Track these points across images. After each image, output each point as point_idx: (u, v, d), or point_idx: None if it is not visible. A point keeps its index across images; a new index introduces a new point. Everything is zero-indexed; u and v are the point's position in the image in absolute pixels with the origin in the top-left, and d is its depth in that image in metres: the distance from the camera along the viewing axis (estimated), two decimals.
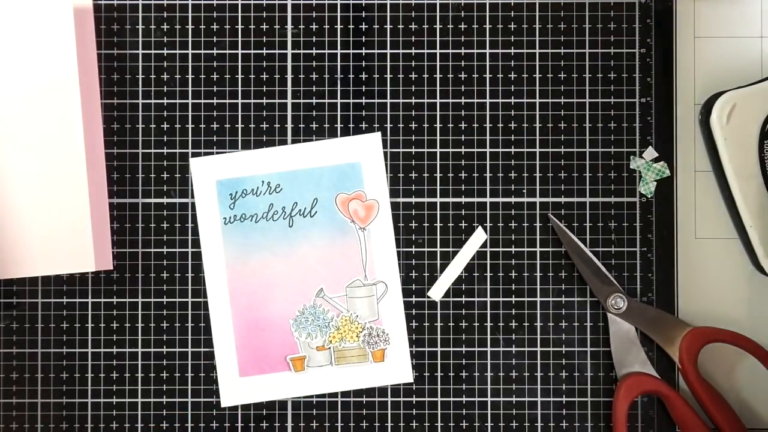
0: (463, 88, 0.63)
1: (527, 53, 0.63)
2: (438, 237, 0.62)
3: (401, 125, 0.63)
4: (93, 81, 0.62)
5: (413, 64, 0.63)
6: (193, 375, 0.62)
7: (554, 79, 0.63)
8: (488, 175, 0.62)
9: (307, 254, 0.62)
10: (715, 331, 0.60)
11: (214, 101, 0.63)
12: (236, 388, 0.62)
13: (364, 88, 0.63)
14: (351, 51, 0.63)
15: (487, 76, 0.63)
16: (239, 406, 0.62)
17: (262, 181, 0.62)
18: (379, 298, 0.62)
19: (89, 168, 0.60)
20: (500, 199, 0.62)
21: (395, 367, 0.62)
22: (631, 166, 0.62)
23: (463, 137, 0.63)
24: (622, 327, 0.61)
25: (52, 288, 0.62)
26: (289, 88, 0.63)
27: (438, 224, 0.62)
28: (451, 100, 0.63)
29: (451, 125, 0.63)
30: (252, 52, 0.63)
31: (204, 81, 0.63)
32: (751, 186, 0.59)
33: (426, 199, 0.62)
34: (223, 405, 0.62)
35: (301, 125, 0.63)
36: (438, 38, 0.63)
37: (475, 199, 0.62)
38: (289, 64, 0.63)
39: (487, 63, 0.63)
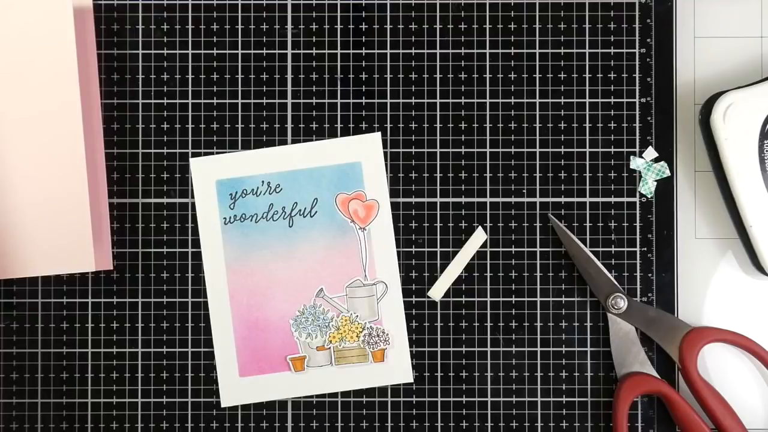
0: (463, 88, 0.63)
1: (527, 53, 0.63)
2: (438, 237, 0.62)
3: (401, 125, 0.63)
4: (93, 81, 0.62)
5: (413, 64, 0.63)
6: (193, 375, 0.62)
7: (554, 79, 0.63)
8: (488, 175, 0.62)
9: (307, 254, 0.62)
10: (715, 331, 0.60)
11: (214, 101, 0.63)
12: (236, 388, 0.62)
13: (364, 88, 0.63)
14: (351, 51, 0.63)
15: (487, 76, 0.63)
16: (239, 406, 0.62)
17: (262, 181, 0.62)
18: (379, 298, 0.62)
19: (89, 168, 0.60)
20: (500, 199, 0.62)
21: (395, 367, 0.62)
22: (631, 166, 0.62)
23: (463, 137, 0.63)
24: (622, 327, 0.61)
25: (52, 288, 0.62)
26: (289, 88, 0.63)
27: (438, 224, 0.62)
28: (451, 100, 0.63)
29: (451, 125, 0.63)
30: (252, 52, 0.63)
31: (204, 81, 0.63)
32: (751, 186, 0.59)
33: (426, 199, 0.62)
34: (223, 405, 0.62)
35: (301, 125, 0.63)
36: (438, 38, 0.63)
37: (475, 199, 0.62)
38: (289, 64, 0.63)
39: (487, 63, 0.63)
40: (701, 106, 0.61)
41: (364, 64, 0.63)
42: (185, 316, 0.62)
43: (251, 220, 0.62)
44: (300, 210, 0.62)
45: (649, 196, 0.62)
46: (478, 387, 0.62)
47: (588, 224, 0.62)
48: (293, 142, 0.63)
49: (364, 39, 0.63)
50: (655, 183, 0.62)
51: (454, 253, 0.62)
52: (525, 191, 0.63)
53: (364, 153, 0.62)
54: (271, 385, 0.62)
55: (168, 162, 0.63)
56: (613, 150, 0.63)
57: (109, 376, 0.62)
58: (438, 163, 0.63)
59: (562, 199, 0.62)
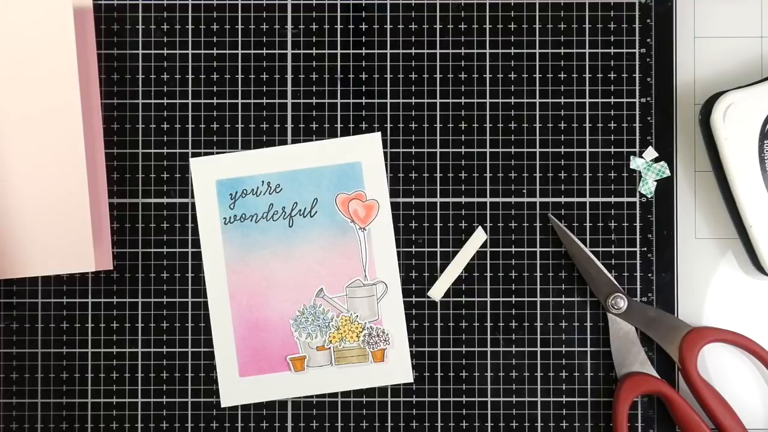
0: (463, 88, 0.63)
1: (527, 53, 0.63)
2: (438, 237, 0.62)
3: (401, 125, 0.63)
4: (93, 81, 0.62)
5: (413, 64, 0.63)
6: (193, 375, 0.62)
7: (554, 79, 0.63)
8: (488, 175, 0.62)
9: (307, 254, 0.62)
10: (715, 331, 0.60)
11: (214, 101, 0.63)
12: (236, 388, 0.62)
13: (364, 88, 0.63)
14: (351, 51, 0.63)
15: (487, 76, 0.63)
16: (239, 406, 0.62)
17: (262, 181, 0.62)
18: (379, 298, 0.62)
19: (89, 168, 0.60)
20: (500, 199, 0.62)
21: (395, 367, 0.62)
22: (631, 166, 0.62)
23: (463, 137, 0.63)
24: (622, 327, 0.61)
25: (52, 288, 0.62)
26: (289, 88, 0.63)
27: (438, 224, 0.62)
28: (451, 100, 0.63)
29: (451, 125, 0.63)
30: (252, 52, 0.63)
31: (204, 81, 0.63)
32: (751, 186, 0.59)
33: (426, 199, 0.62)
34: (223, 405, 0.62)
35: (301, 125, 0.63)
36: (438, 38, 0.63)
37: (475, 199, 0.62)
38: (289, 64, 0.63)
39: (487, 63, 0.63)
40: (701, 106, 0.61)
41: (364, 64, 0.63)
42: (185, 316, 0.62)
43: (251, 220, 0.62)
44: (300, 210, 0.62)
45: (649, 196, 0.62)
46: (478, 387, 0.62)
47: (588, 224, 0.62)
48: (293, 142, 0.63)
49: (364, 39, 0.63)
50: (655, 183, 0.62)
51: (454, 253, 0.62)
52: (525, 191, 0.63)
53: (364, 153, 0.62)
54: (271, 385, 0.62)
55: (168, 162, 0.63)
56: (613, 150, 0.63)
57: (109, 376, 0.62)
58: (438, 163, 0.63)
59: (562, 199, 0.62)
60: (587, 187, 0.62)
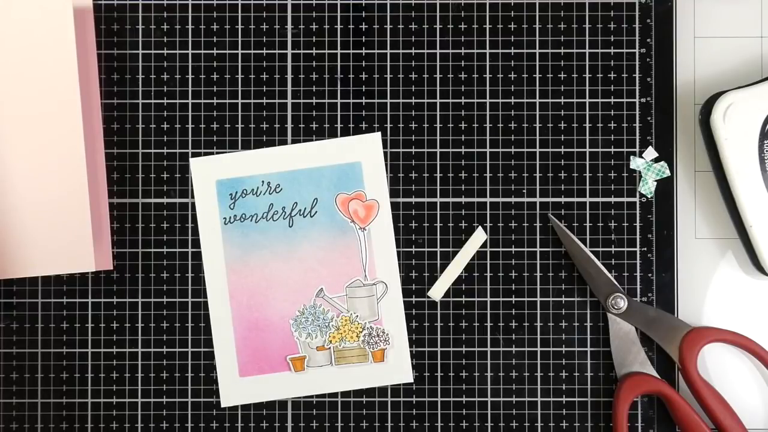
0: (463, 88, 0.63)
1: (527, 53, 0.63)
2: (438, 237, 0.62)
3: (401, 125, 0.63)
4: (93, 81, 0.62)
5: (413, 64, 0.63)
6: (193, 375, 0.62)
7: (554, 79, 0.63)
8: (488, 175, 0.62)
9: (307, 254, 0.62)
10: (715, 331, 0.60)
11: (214, 101, 0.63)
12: (236, 388, 0.62)
13: (364, 88, 0.63)
14: (351, 51, 0.63)
15: (487, 76, 0.63)
16: (239, 406, 0.62)
17: (262, 181, 0.62)
18: (379, 298, 0.62)
19: (89, 168, 0.60)
20: (500, 199, 0.62)
21: (395, 367, 0.62)
22: (631, 166, 0.62)
23: (463, 137, 0.63)
24: (622, 327, 0.61)
25: (52, 288, 0.62)
26: (289, 88, 0.63)
27: (438, 224, 0.62)
28: (451, 100, 0.63)
29: (451, 125, 0.63)
30: (252, 52, 0.63)
31: (204, 81, 0.63)
32: (751, 186, 0.59)
33: (426, 199, 0.62)
34: (223, 405, 0.62)
35: (301, 125, 0.63)
36: (438, 38, 0.63)
37: (475, 199, 0.62)
38: (289, 64, 0.63)
39: (487, 63, 0.63)
40: (701, 106, 0.61)
41: (364, 64, 0.63)
42: (185, 316, 0.62)
43: (251, 220, 0.62)
44: (300, 210, 0.62)
45: (649, 196, 0.62)
46: (478, 387, 0.62)
47: (588, 224, 0.62)
48: (293, 142, 0.63)
49: (364, 39, 0.63)
50: (655, 183, 0.62)
51: (454, 253, 0.62)
52: (525, 191, 0.63)
53: (364, 153, 0.62)
54: (271, 385, 0.62)
55: (168, 162, 0.63)
56: (613, 150, 0.63)
57: (109, 376, 0.62)
58: (438, 163, 0.63)
59: (562, 199, 0.62)
60: (587, 187, 0.62)
